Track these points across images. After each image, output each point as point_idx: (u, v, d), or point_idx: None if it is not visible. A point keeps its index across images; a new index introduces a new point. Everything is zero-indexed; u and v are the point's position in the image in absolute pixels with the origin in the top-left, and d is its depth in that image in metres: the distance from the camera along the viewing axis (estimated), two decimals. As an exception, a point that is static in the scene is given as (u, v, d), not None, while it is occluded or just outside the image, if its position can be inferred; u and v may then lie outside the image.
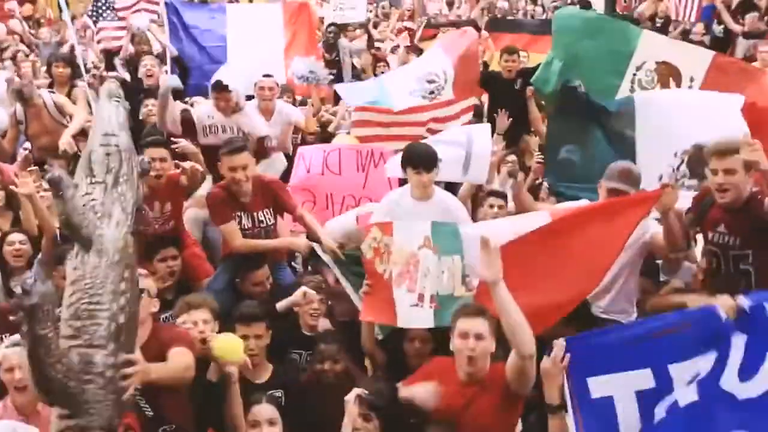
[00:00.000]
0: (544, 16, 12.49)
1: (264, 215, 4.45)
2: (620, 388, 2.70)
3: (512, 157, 5.90)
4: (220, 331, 3.44)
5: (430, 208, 4.10)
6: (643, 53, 5.70)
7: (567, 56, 5.72)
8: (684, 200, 3.90)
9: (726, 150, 3.53)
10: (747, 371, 2.63)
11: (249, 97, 6.16)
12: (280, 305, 4.01)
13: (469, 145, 4.94)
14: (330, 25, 9.79)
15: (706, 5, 11.04)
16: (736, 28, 9.90)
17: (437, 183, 4.45)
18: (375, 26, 12.23)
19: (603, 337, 2.88)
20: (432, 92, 6.23)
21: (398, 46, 10.64)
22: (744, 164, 3.46)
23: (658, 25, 11.08)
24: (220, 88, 5.47)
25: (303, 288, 4.01)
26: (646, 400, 2.67)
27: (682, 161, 4.45)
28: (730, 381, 2.65)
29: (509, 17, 11.91)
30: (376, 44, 10.61)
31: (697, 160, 4.20)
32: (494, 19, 10.84)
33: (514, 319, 2.88)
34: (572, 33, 5.90)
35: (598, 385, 2.70)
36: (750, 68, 6.07)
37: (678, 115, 4.77)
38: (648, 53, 5.70)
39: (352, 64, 9.29)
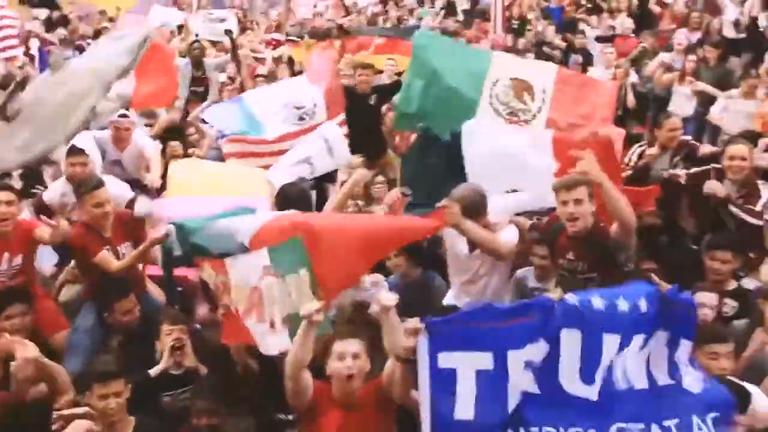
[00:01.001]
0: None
1: (125, 249, 4.51)
2: (463, 364, 3.02)
3: (380, 178, 6.17)
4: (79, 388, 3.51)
5: None
6: (496, 71, 6.14)
7: (427, 75, 6.05)
8: None
9: (573, 182, 3.92)
10: (588, 372, 3.00)
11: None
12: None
13: (323, 136, 5.55)
14: (194, 41, 9.68)
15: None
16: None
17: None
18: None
19: (457, 319, 3.21)
20: (302, 118, 6.33)
21: (265, 59, 10.74)
22: (588, 194, 3.87)
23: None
24: (76, 152, 5.23)
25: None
26: (483, 380, 3.00)
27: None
28: (571, 379, 3.01)
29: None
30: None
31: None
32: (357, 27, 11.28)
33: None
34: (431, 53, 6.28)
35: (446, 359, 3.02)
36: (589, 80, 6.69)
37: (498, 155, 5.04)
38: (500, 71, 6.13)
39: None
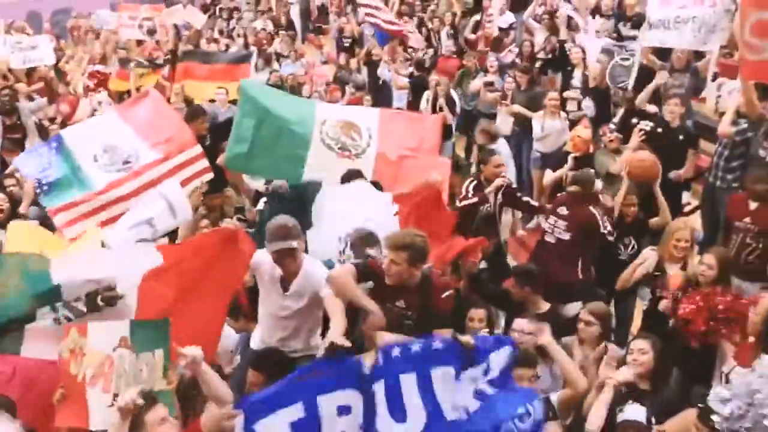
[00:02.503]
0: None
1: None
2: (277, 424, 3.19)
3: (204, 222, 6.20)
4: None
5: None
6: (323, 113, 6.44)
7: (258, 114, 6.25)
8: None
9: (395, 245, 4.00)
10: (398, 411, 3.29)
11: None
12: None
13: (163, 194, 5.51)
14: (3, 88, 9.07)
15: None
16: None
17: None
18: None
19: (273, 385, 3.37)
20: (126, 161, 6.24)
21: (92, 89, 10.33)
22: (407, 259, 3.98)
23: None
24: None
25: None
26: (299, 429, 3.20)
27: (347, 244, 4.87)
28: (386, 422, 3.28)
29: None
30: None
31: (358, 243, 4.72)
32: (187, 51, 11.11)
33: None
34: (259, 95, 6.45)
35: (263, 427, 3.18)
36: (414, 115, 7.11)
37: (341, 203, 5.20)
38: (327, 113, 6.46)
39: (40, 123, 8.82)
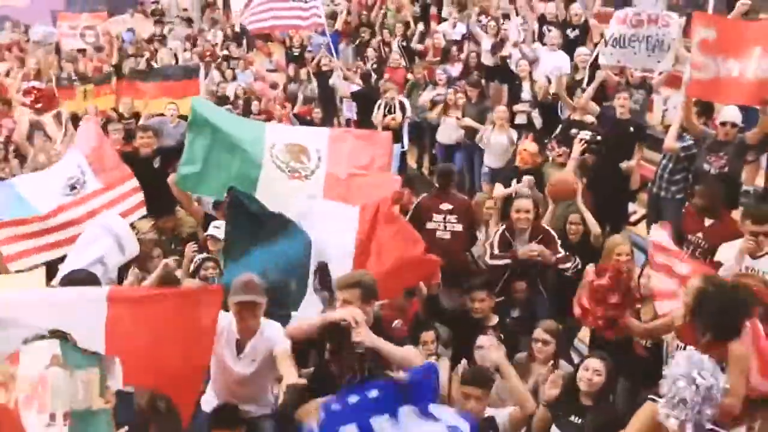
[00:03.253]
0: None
1: None
2: None
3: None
4: None
5: None
6: (271, 137, 6.37)
7: (209, 135, 6.16)
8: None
9: (346, 284, 4.04)
10: None
11: None
12: None
13: (110, 230, 5.39)
14: None
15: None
16: None
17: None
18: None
19: None
20: (73, 187, 6.16)
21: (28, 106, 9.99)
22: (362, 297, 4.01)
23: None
24: None
25: None
26: None
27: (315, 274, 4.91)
28: None
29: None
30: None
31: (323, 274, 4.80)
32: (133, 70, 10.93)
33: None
34: (210, 115, 6.35)
35: None
36: (364, 133, 7.10)
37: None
38: (276, 137, 6.39)
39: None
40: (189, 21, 18.28)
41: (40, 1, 23.22)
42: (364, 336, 3.57)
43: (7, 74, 12.58)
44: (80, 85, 10.80)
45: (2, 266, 5.72)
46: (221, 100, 10.72)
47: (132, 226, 6.12)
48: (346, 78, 10.79)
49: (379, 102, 9.47)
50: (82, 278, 4.51)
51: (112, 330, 3.92)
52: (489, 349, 4.57)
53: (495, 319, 5.30)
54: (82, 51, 13.88)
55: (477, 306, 5.24)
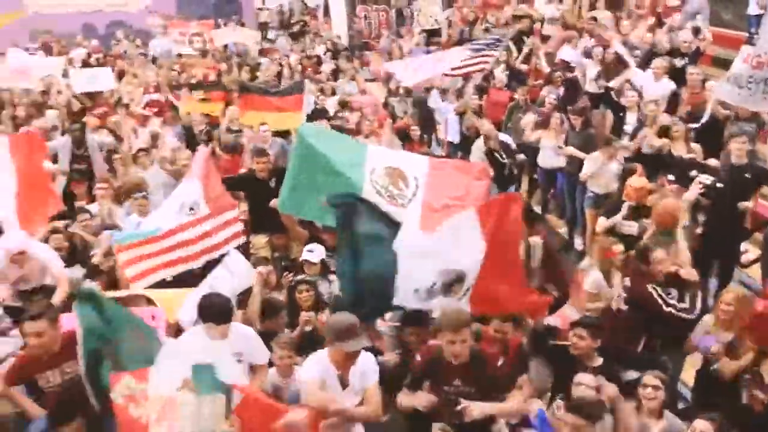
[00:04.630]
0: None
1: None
2: None
3: None
4: None
5: (226, 344, 4.40)
6: (372, 160, 6.38)
7: (313, 159, 6.21)
8: None
9: (458, 324, 4.19)
10: None
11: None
12: None
13: (228, 269, 5.50)
14: (75, 122, 9.40)
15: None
16: None
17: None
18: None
19: None
20: (191, 208, 6.37)
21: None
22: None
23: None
24: None
25: None
26: None
27: (434, 283, 4.92)
28: None
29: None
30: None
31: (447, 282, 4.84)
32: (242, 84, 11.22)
33: None
34: (315, 140, 6.41)
35: None
36: (462, 164, 7.01)
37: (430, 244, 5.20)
38: (376, 160, 6.39)
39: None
40: (295, 35, 18.64)
41: (153, 7, 24.42)
42: (477, 413, 3.83)
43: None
44: (192, 92, 11.15)
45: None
46: (319, 113, 10.83)
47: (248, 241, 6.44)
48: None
49: (478, 144, 9.09)
50: (221, 302, 4.67)
51: None
52: (602, 387, 4.44)
53: (598, 361, 5.00)
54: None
55: (576, 342, 5.02)
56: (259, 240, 7.07)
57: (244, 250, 6.72)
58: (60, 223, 6.97)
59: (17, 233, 6.08)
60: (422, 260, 4.96)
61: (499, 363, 4.78)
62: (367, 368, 4.23)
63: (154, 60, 15.85)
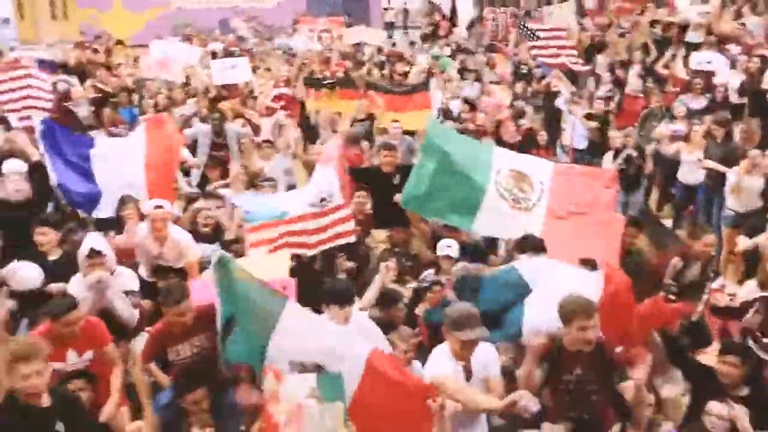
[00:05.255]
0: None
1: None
2: None
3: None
4: None
5: (350, 330, 4.49)
6: (499, 161, 6.30)
7: (439, 159, 6.26)
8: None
9: (592, 309, 4.05)
10: None
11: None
12: None
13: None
14: (216, 110, 9.83)
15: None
16: None
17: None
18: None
19: None
20: (323, 199, 6.40)
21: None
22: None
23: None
24: (95, 254, 5.30)
25: None
26: None
27: None
28: None
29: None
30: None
31: None
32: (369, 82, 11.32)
33: None
34: (442, 140, 6.43)
35: None
36: (589, 170, 6.76)
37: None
38: (502, 162, 6.31)
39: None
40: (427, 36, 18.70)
41: (285, 4, 25.28)
42: None
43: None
44: (325, 88, 11.32)
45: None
46: (444, 114, 10.78)
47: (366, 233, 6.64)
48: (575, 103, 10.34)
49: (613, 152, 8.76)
50: (345, 286, 4.85)
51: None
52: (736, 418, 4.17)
53: (744, 390, 4.61)
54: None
55: (725, 370, 4.63)
56: (380, 234, 7.11)
57: (362, 242, 6.80)
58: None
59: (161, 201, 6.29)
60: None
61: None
62: (488, 357, 4.20)
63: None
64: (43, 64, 13.03)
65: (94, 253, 5.29)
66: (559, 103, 10.85)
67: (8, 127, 8.57)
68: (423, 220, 6.87)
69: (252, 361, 4.46)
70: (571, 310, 4.09)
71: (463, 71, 13.64)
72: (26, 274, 5.55)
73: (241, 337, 4.49)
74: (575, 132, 10.32)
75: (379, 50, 17.27)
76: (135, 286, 5.58)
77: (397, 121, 9.33)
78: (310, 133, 10.63)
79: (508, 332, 4.64)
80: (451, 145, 6.41)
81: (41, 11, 22.84)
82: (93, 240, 5.42)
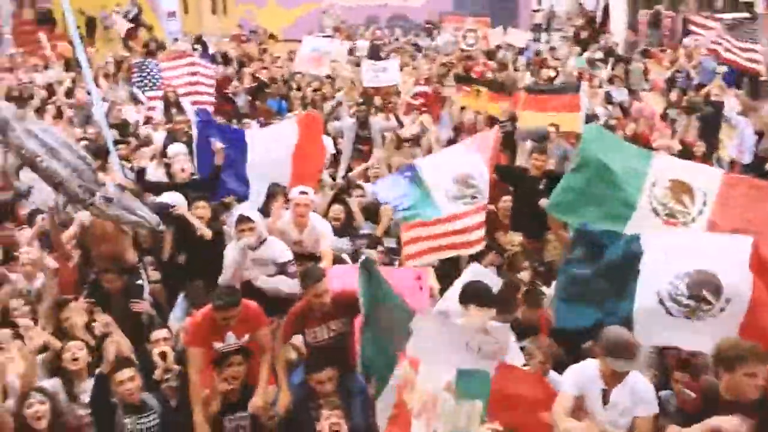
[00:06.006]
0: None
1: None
2: None
3: None
4: None
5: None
6: (656, 173, 5.92)
7: (592, 168, 5.96)
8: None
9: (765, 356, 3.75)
10: None
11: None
12: None
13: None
14: (360, 103, 10.01)
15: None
16: None
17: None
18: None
19: None
20: (474, 197, 6.38)
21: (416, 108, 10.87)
22: None
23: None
24: (245, 219, 5.64)
25: None
26: None
27: (682, 282, 4.51)
28: None
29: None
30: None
31: (698, 283, 4.39)
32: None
33: None
34: (598, 147, 6.14)
35: None
36: (761, 183, 6.22)
37: (684, 244, 4.98)
38: (660, 173, 5.92)
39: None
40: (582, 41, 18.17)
41: (432, 3, 25.42)
42: None
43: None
44: (476, 84, 11.30)
45: None
46: (589, 119, 10.37)
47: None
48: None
49: None
50: (486, 287, 4.81)
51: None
52: None
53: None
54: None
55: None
56: (515, 237, 6.99)
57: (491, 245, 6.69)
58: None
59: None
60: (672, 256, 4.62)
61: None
62: (639, 391, 3.94)
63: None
64: (203, 55, 13.87)
65: (243, 218, 5.61)
66: (727, 107, 10.10)
67: (180, 111, 9.16)
68: (564, 227, 6.64)
69: (377, 364, 4.55)
70: (731, 355, 3.81)
71: (613, 78, 13.11)
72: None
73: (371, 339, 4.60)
74: (743, 145, 9.56)
75: (521, 52, 16.95)
76: (286, 257, 5.78)
77: (554, 125, 9.07)
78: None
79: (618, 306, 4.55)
80: (606, 152, 6.06)
81: (204, 5, 24.26)
82: (243, 208, 5.75)
